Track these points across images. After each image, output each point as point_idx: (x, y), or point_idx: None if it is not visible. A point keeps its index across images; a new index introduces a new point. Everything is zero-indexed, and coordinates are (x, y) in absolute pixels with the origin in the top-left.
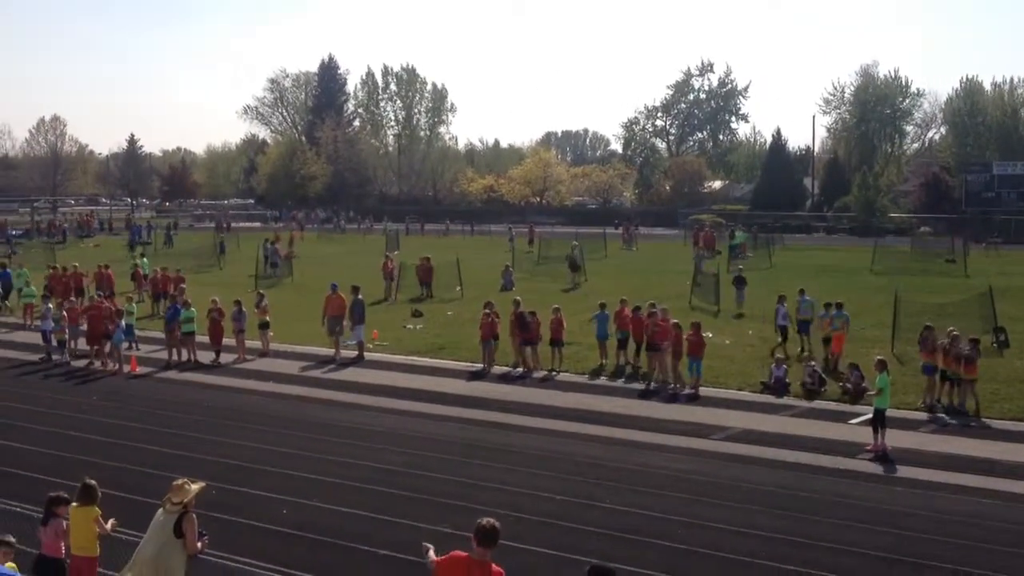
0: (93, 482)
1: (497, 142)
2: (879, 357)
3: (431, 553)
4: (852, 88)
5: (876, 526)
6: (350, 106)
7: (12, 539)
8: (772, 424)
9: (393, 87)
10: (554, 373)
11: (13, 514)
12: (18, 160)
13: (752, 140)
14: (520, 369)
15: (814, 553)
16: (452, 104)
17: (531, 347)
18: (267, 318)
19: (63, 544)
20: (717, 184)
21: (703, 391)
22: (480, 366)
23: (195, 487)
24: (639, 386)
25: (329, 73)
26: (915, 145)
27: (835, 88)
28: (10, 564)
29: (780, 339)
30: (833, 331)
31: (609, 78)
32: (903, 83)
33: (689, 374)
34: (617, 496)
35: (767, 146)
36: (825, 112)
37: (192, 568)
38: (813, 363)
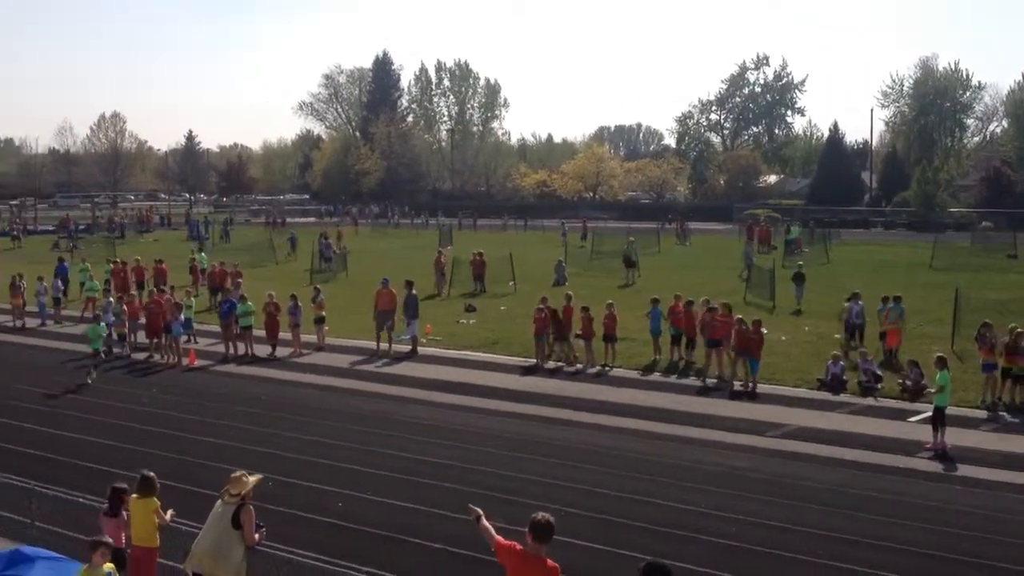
0: (152, 474)
1: (550, 137)
2: (939, 354)
3: (483, 520)
4: (911, 81)
5: (935, 525)
6: (404, 101)
7: (110, 540)
8: (829, 421)
9: (446, 82)
10: (607, 369)
11: (75, 504)
12: (80, 156)
13: (808, 134)
14: (577, 366)
15: (872, 552)
16: (505, 99)
17: (586, 341)
18: (323, 313)
19: (124, 534)
20: (772, 179)
21: (759, 387)
22: (533, 361)
23: (252, 479)
24: (693, 382)
25: (383, 69)
26: (976, 139)
27: (894, 81)
28: (108, 565)
29: (850, 338)
30: (890, 324)
31: (662, 72)
32: (964, 76)
33: (749, 372)
34: (671, 492)
35: (824, 140)
36: (883, 105)
37: (251, 559)
38: (869, 360)
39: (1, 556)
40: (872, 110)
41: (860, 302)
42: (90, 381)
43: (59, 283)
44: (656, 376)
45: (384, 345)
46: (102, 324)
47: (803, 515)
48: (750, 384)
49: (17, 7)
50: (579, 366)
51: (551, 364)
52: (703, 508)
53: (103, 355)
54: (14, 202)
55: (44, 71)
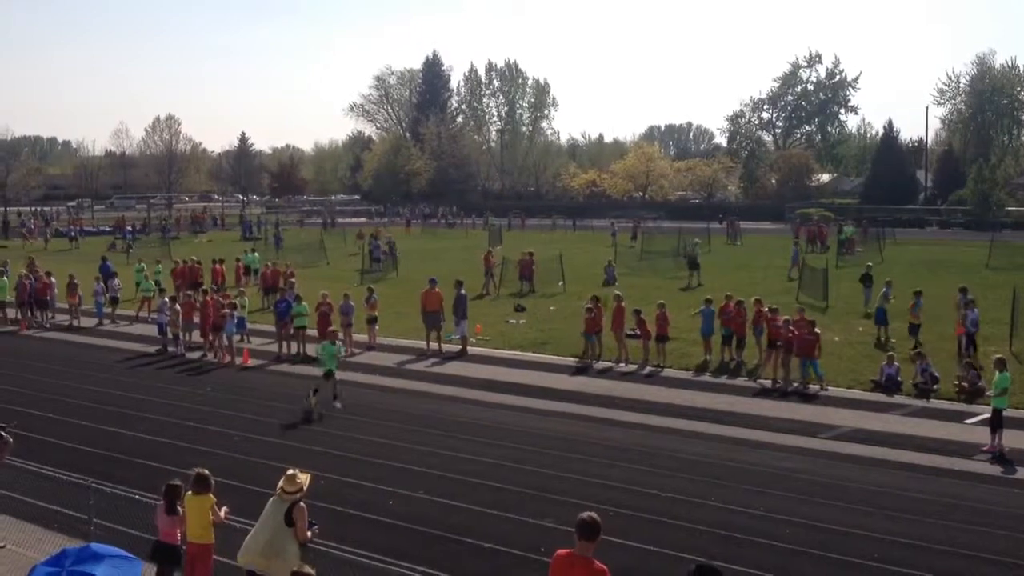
0: (206, 471)
1: (600, 136)
2: (998, 356)
3: None
4: (967, 78)
5: (993, 529)
6: (453, 102)
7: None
8: (883, 423)
9: (496, 83)
10: (659, 369)
11: (132, 501)
12: (135, 158)
13: (862, 132)
14: (620, 365)
15: (928, 556)
16: (554, 99)
17: (643, 341)
18: (375, 313)
19: (179, 531)
20: (825, 177)
21: (811, 388)
22: (584, 360)
23: (304, 477)
24: (744, 383)
25: (433, 70)
26: None
27: (949, 78)
28: None
29: (966, 347)
30: (960, 317)
31: (713, 71)
32: (1021, 72)
33: (803, 374)
34: (722, 494)
35: (878, 138)
36: (939, 103)
37: (303, 556)
38: (927, 362)
39: (70, 552)
40: (927, 108)
41: (976, 309)
42: (310, 406)
43: (116, 282)
44: (707, 377)
45: (434, 345)
46: (338, 344)
47: (857, 518)
48: (799, 386)
49: (74, 11)
50: (631, 366)
51: (607, 364)
52: (755, 510)
53: (327, 379)
54: (71, 203)
55: (100, 75)
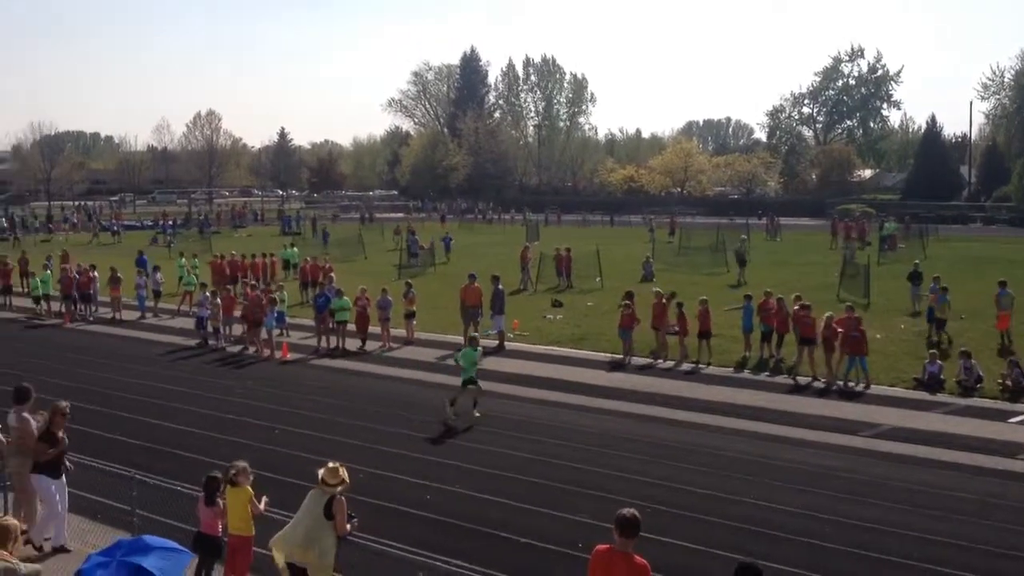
0: (245, 464)
1: (638, 131)
2: None
3: None
4: (1012, 72)
5: None
6: (491, 98)
7: None
8: (926, 421)
9: (533, 78)
10: (701, 366)
11: (174, 492)
12: (177, 153)
13: (905, 127)
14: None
15: (969, 556)
16: (592, 94)
17: (681, 337)
18: (413, 308)
19: (220, 523)
20: (867, 173)
21: (852, 385)
22: (620, 356)
23: (345, 471)
24: (784, 380)
25: (471, 65)
26: None
27: (994, 73)
28: None
29: None
30: (1000, 311)
31: (752, 65)
32: None
33: (846, 370)
34: (761, 491)
35: (921, 133)
36: (983, 98)
37: (342, 549)
38: (972, 360)
39: (124, 543)
40: (971, 103)
41: None
42: (452, 416)
43: (159, 276)
44: (746, 374)
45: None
46: (479, 350)
47: (898, 516)
48: (850, 383)
49: (115, 5)
50: (669, 362)
51: (645, 360)
52: (795, 508)
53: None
54: (114, 198)
55: (142, 70)
